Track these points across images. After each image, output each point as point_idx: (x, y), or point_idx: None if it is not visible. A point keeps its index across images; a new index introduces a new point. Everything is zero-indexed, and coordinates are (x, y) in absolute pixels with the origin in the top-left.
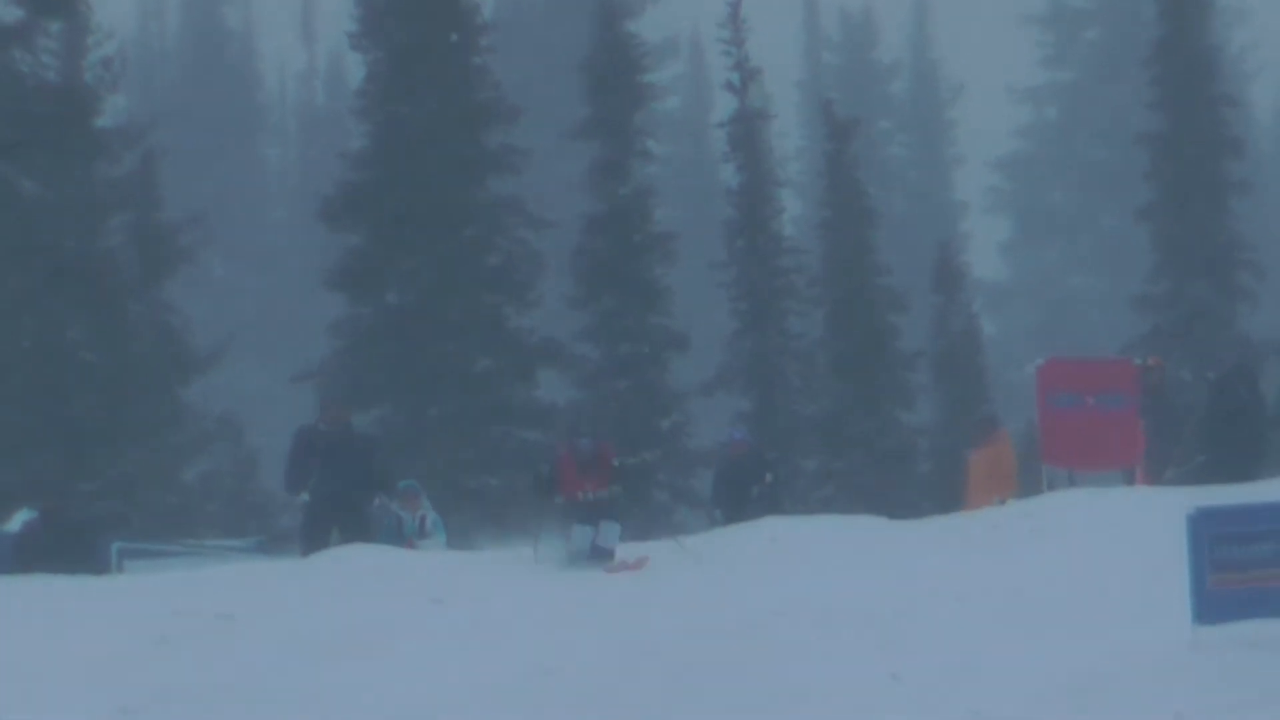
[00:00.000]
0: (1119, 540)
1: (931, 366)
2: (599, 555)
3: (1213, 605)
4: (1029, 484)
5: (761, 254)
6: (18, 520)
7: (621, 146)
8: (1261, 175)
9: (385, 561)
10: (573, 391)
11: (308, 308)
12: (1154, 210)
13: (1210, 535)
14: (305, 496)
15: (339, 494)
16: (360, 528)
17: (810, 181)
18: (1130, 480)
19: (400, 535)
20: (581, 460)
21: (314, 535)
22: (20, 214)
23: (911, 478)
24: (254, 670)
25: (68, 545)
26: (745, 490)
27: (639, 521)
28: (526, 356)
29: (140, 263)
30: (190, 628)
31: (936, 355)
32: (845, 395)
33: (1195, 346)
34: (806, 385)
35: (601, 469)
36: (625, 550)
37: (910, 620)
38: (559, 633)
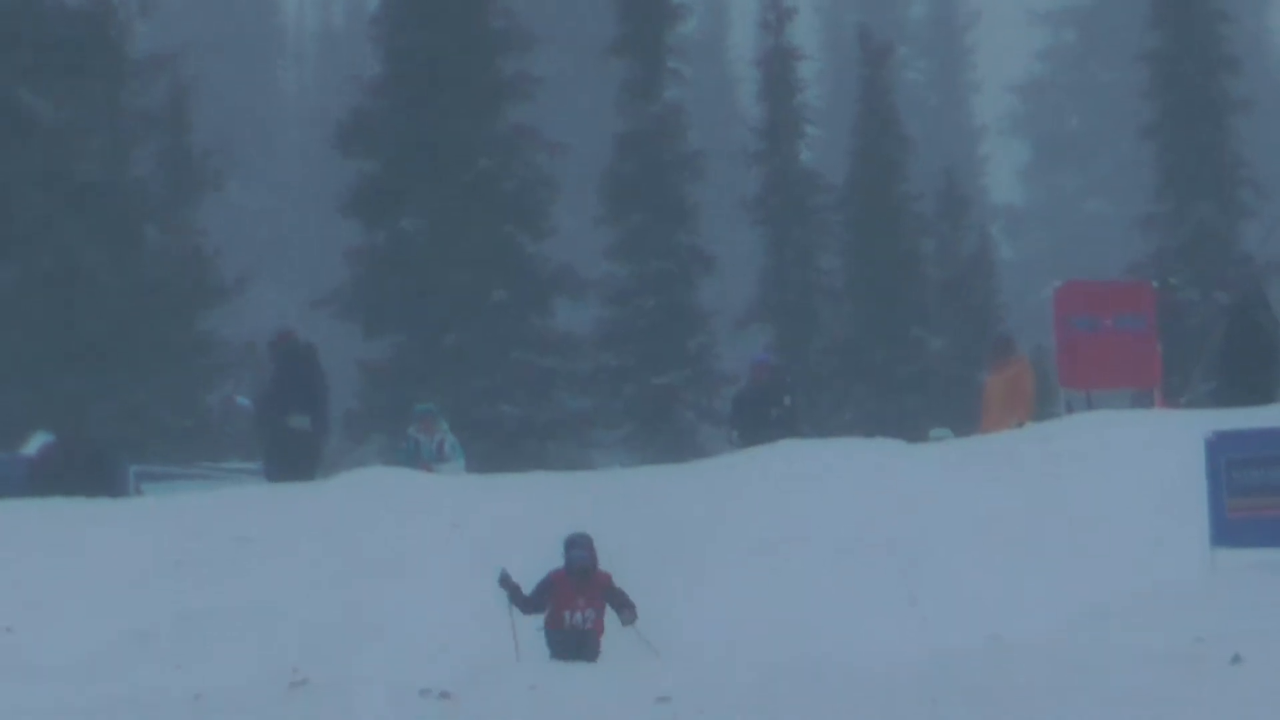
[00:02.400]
0: (1137, 464)
1: (942, 291)
2: None
3: (1230, 530)
4: (1047, 408)
5: (794, 193)
6: (35, 444)
7: (652, 65)
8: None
9: (403, 485)
10: (599, 311)
11: (324, 233)
12: (1156, 129)
13: (1228, 460)
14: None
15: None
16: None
17: (831, 106)
18: (1149, 403)
19: (418, 459)
20: (576, 574)
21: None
22: (40, 139)
23: (930, 403)
24: (270, 593)
25: (84, 469)
26: (764, 413)
27: (663, 445)
28: (541, 284)
29: (168, 188)
30: (207, 551)
31: (946, 280)
32: (869, 320)
33: (1202, 266)
34: (834, 314)
35: (596, 587)
36: None
37: (927, 545)
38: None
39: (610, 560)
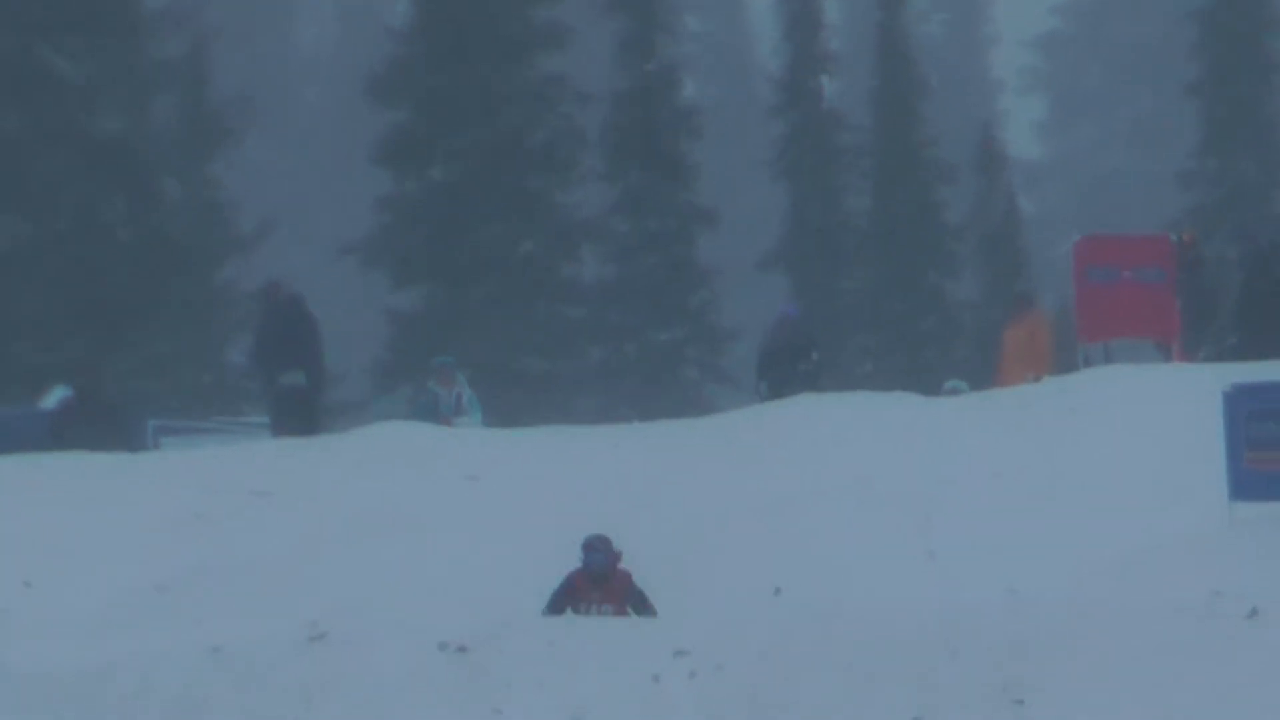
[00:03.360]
0: (1156, 417)
1: (973, 244)
2: None
3: (1249, 483)
4: (1065, 362)
5: (817, 133)
6: (53, 398)
7: (646, 21)
8: None
9: (421, 439)
10: (606, 267)
11: (343, 188)
12: (1200, 86)
13: (1246, 412)
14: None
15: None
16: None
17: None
18: (1167, 357)
19: (436, 412)
20: (595, 575)
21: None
22: (57, 95)
23: (951, 355)
24: (289, 547)
25: (103, 423)
26: (791, 366)
27: (668, 402)
28: (571, 233)
29: (187, 142)
30: (225, 505)
31: (978, 234)
32: (889, 270)
33: (1239, 223)
34: (855, 259)
35: (615, 587)
36: None
37: (946, 498)
38: (595, 510)
39: (629, 515)
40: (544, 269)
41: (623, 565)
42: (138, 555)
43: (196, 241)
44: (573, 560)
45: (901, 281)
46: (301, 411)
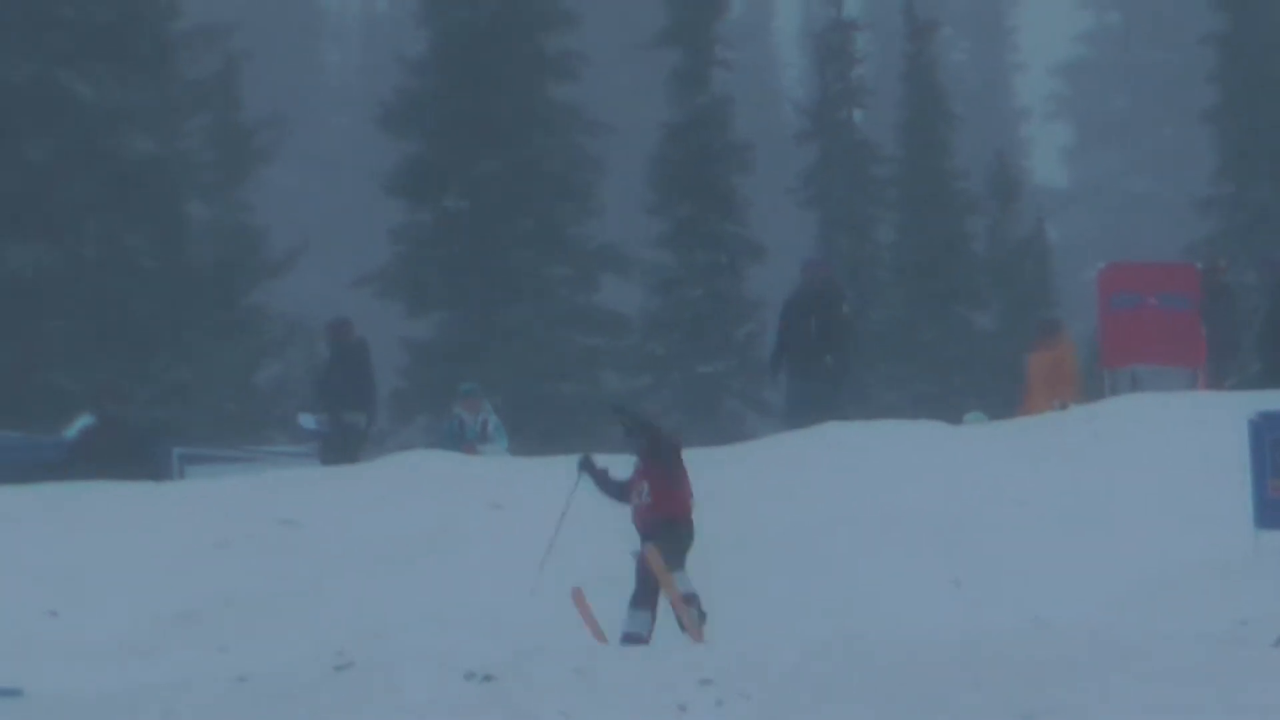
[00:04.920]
0: (1181, 445)
1: (993, 272)
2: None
3: (1275, 511)
4: (1091, 389)
5: (850, 164)
6: (77, 426)
7: (700, 55)
8: None
9: (446, 466)
10: (647, 299)
11: (368, 213)
12: (1218, 113)
13: (1272, 440)
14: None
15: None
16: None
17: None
18: (1192, 384)
19: (462, 439)
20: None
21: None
22: (83, 120)
23: (976, 383)
24: (314, 575)
25: (126, 451)
26: (818, 319)
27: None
28: (587, 262)
29: (218, 165)
30: (251, 533)
31: (998, 261)
32: (916, 300)
33: (1259, 250)
34: (883, 289)
35: (653, 459)
36: None
37: (972, 526)
38: (618, 541)
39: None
40: (560, 297)
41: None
42: (163, 583)
43: (224, 267)
44: (600, 586)
45: (929, 312)
46: (355, 447)
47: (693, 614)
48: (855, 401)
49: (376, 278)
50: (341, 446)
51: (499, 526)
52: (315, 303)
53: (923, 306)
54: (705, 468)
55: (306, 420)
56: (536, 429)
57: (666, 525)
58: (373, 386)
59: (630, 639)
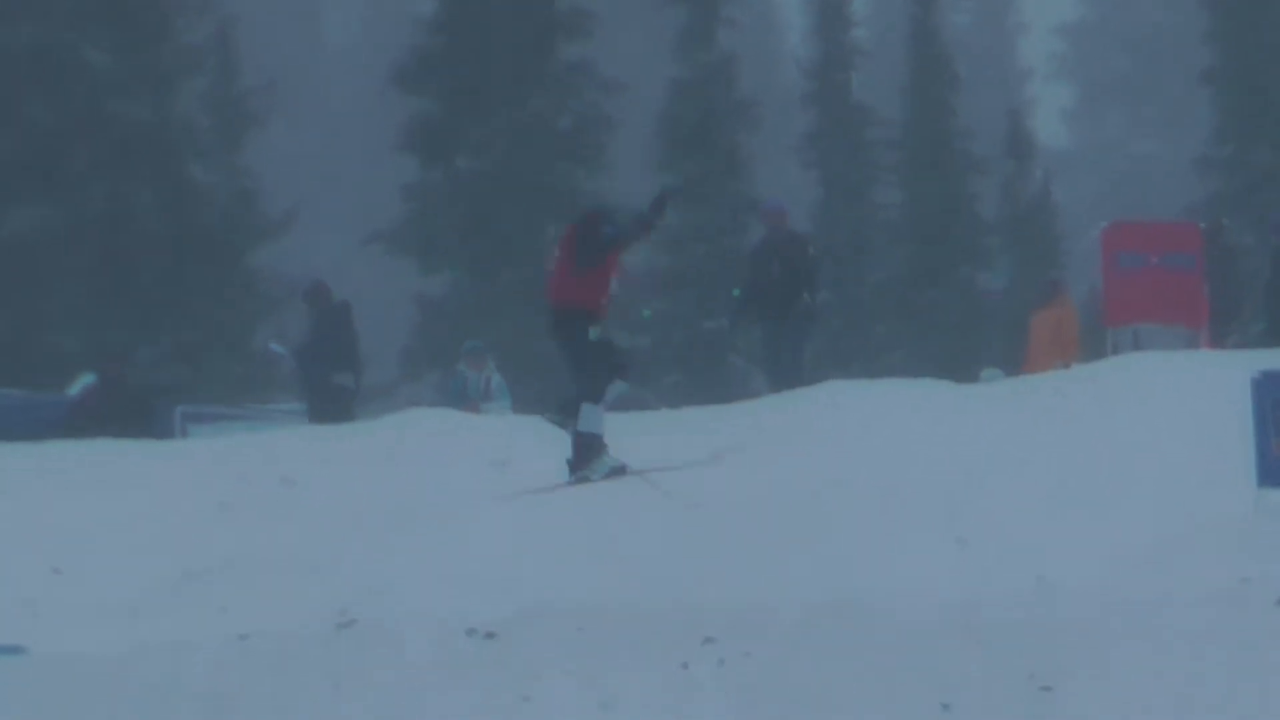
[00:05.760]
0: (1184, 404)
1: (1004, 233)
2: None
3: (1277, 470)
4: (1094, 350)
5: (848, 127)
6: (79, 385)
7: (706, 13)
8: None
9: (449, 425)
10: (653, 257)
11: (371, 176)
12: (1216, 73)
13: (1274, 399)
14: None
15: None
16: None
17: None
18: (1195, 344)
19: (465, 397)
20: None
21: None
22: (86, 83)
23: (980, 344)
24: (317, 534)
25: (129, 410)
26: (781, 265)
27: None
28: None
29: (215, 128)
30: (253, 492)
31: (1008, 221)
32: (919, 261)
33: (1259, 211)
34: (886, 250)
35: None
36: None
37: (975, 485)
38: (621, 500)
39: (654, 501)
40: None
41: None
42: (165, 543)
43: (226, 228)
44: (601, 544)
45: (931, 273)
46: (344, 409)
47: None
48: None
49: (387, 235)
50: (331, 411)
51: (502, 484)
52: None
53: (925, 268)
54: (701, 429)
55: (276, 347)
56: (541, 388)
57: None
58: (356, 347)
59: (588, 439)
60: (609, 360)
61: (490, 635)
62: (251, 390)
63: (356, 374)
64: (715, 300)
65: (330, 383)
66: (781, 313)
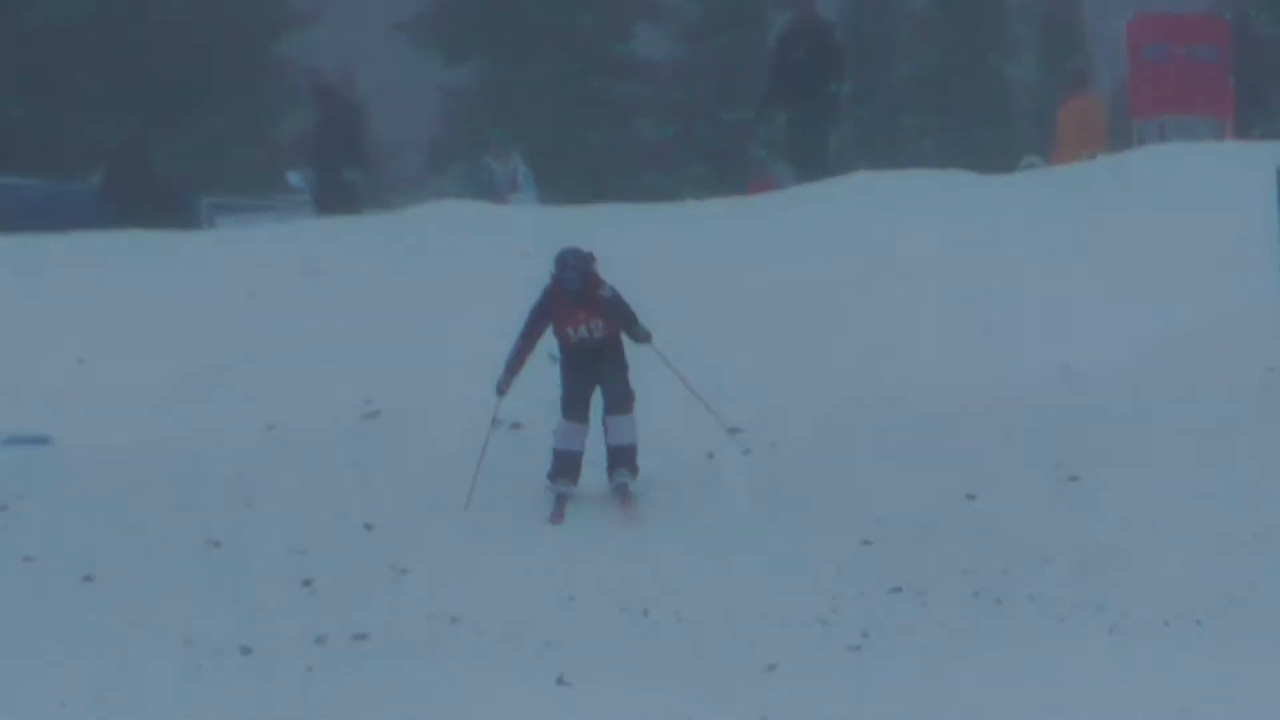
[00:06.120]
0: (1210, 195)
1: (1031, 22)
2: (618, 458)
3: None
4: (1120, 141)
5: None
6: (105, 175)
7: None
8: None
9: (475, 215)
10: (672, 46)
11: None
12: None
13: None
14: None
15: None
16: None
17: None
18: (1220, 135)
19: (492, 188)
20: (571, 293)
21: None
22: None
23: (1010, 135)
24: (343, 324)
25: (155, 200)
26: (809, 52)
27: (735, 181)
28: (619, 10)
29: None
30: (279, 283)
31: (1036, 10)
32: (948, 52)
33: None
34: (915, 41)
35: (592, 300)
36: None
37: (1001, 275)
38: (650, 285)
39: (682, 293)
40: (599, 45)
41: (604, 281)
42: (192, 334)
43: (252, 18)
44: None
45: (960, 65)
46: (352, 205)
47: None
48: (886, 151)
49: (412, 25)
50: (339, 202)
51: (528, 275)
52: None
53: (954, 59)
54: (728, 220)
55: (295, 178)
56: (567, 178)
57: (619, 360)
58: (364, 143)
59: (561, 457)
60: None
61: (516, 425)
62: (277, 180)
63: (365, 170)
64: (737, 91)
65: (339, 178)
66: (807, 101)
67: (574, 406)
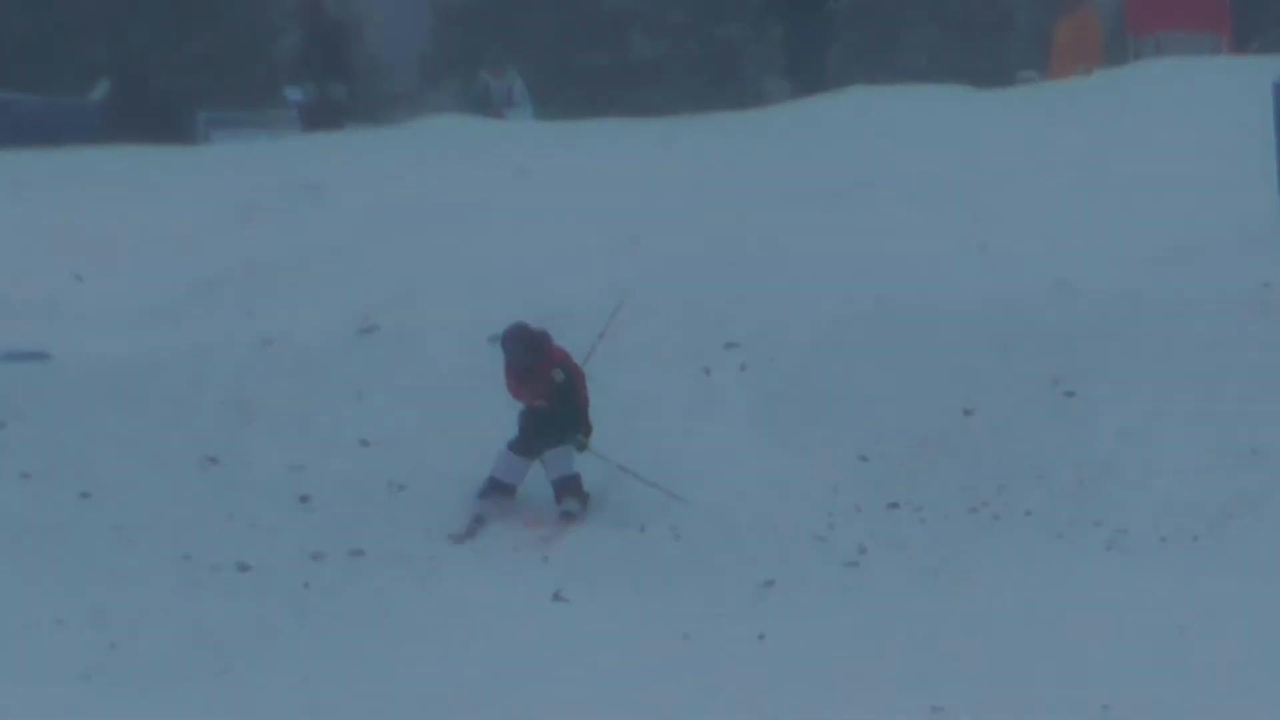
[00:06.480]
0: (1206, 110)
1: None
2: (563, 489)
3: None
4: (1116, 57)
5: None
6: (102, 90)
7: None
8: None
9: (472, 131)
10: None
11: None
12: None
13: None
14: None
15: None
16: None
17: None
18: (1217, 50)
19: (488, 104)
20: (519, 369)
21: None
22: None
23: (1007, 50)
24: (339, 240)
25: (152, 115)
26: None
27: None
28: None
29: None
30: (276, 198)
31: None
32: None
33: None
34: None
35: (541, 381)
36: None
37: (996, 190)
38: (647, 201)
39: (678, 209)
40: None
41: (561, 364)
42: (188, 248)
43: None
44: (624, 249)
45: None
46: (338, 119)
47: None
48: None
49: None
50: (325, 117)
51: (525, 192)
52: None
53: None
54: (725, 135)
55: (293, 93)
56: (563, 95)
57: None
58: (350, 59)
59: (495, 485)
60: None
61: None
62: (273, 96)
63: (350, 86)
64: (730, 6)
65: (323, 94)
66: (804, 15)
67: (519, 441)
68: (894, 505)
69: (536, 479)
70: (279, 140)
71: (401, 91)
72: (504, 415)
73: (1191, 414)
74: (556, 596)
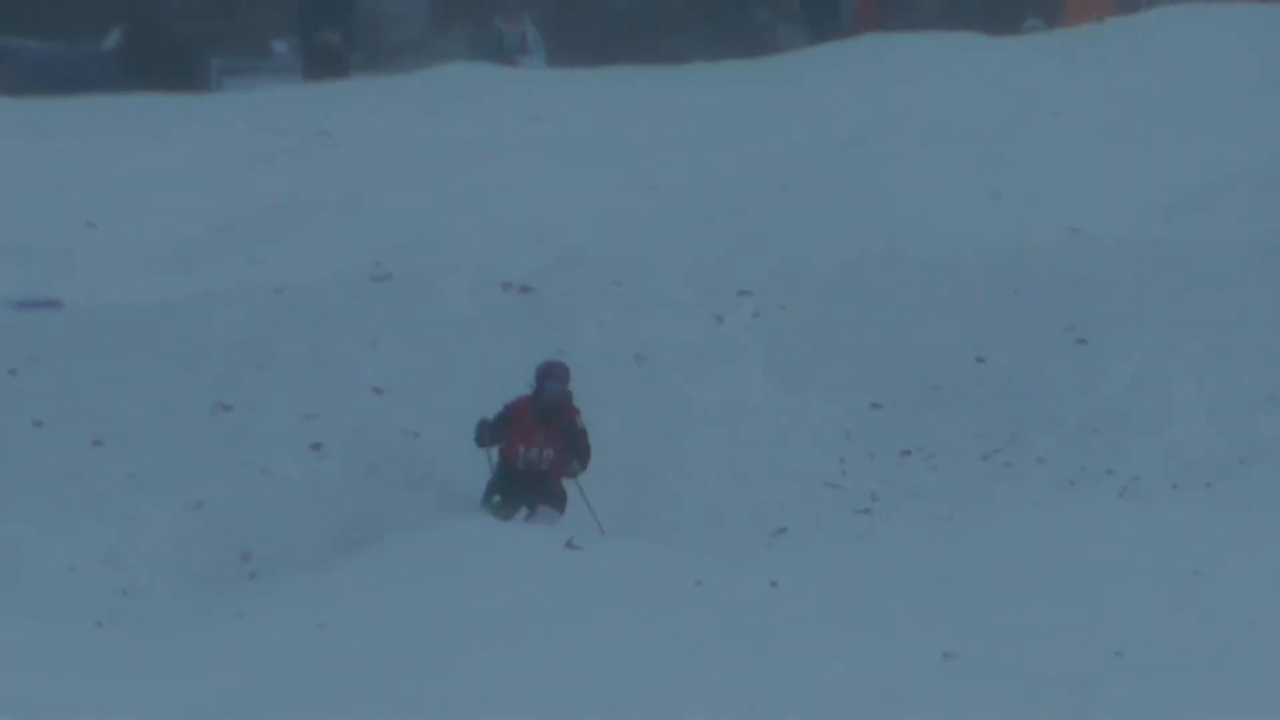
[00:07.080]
0: (1221, 57)
1: None
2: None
3: None
4: (1128, 5)
5: None
6: (114, 37)
7: None
8: None
9: (485, 78)
10: None
11: None
12: None
13: None
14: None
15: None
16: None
17: None
18: None
19: (501, 51)
20: (543, 409)
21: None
22: None
23: None
24: (352, 187)
25: (165, 62)
26: None
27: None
28: None
29: None
30: (288, 144)
31: None
32: None
33: None
34: None
35: (556, 427)
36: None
37: (1010, 137)
38: (661, 148)
39: (692, 155)
40: None
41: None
42: (201, 195)
43: None
44: (638, 197)
45: None
46: (333, 70)
47: None
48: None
49: None
50: (320, 73)
51: (538, 138)
52: None
53: None
54: (739, 83)
55: (279, 45)
56: (576, 42)
57: (555, 492)
58: (347, 5)
59: None
60: None
61: (526, 289)
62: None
63: (345, 33)
64: None
65: (316, 41)
66: None
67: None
68: (906, 452)
69: None
70: (291, 87)
71: (407, 40)
72: (517, 363)
73: (1204, 360)
74: (570, 545)
